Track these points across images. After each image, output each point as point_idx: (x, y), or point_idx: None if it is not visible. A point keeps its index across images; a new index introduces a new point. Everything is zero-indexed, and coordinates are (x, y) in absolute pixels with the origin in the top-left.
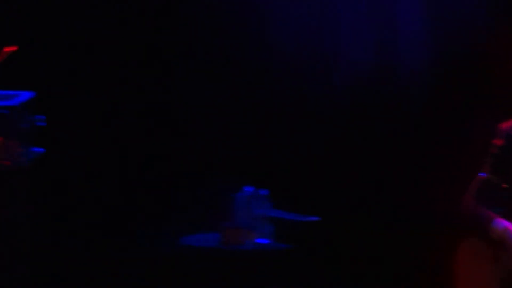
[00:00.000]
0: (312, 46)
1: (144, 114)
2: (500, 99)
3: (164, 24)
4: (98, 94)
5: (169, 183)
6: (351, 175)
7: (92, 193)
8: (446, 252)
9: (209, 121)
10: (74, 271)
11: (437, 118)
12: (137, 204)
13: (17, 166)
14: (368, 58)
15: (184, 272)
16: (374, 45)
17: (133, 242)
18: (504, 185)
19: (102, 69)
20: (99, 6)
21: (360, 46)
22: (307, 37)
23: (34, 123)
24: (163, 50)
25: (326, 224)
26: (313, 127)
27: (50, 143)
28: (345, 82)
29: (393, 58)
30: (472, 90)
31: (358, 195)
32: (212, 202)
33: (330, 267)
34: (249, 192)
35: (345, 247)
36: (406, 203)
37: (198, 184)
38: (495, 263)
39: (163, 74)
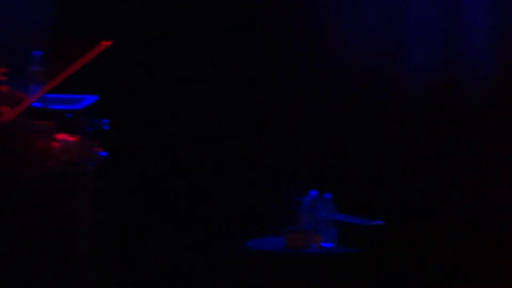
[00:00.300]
0: (378, 50)
1: (209, 118)
2: None
3: (233, 26)
4: (162, 97)
5: (235, 187)
6: (415, 178)
7: (157, 197)
8: None
9: (275, 126)
10: (143, 274)
11: (505, 121)
12: (204, 208)
13: (83, 170)
14: (434, 62)
15: (250, 276)
16: (441, 50)
17: (199, 245)
18: None
19: (166, 71)
20: (163, 7)
21: (427, 50)
22: (373, 41)
23: (99, 127)
24: (232, 52)
25: (390, 228)
26: (378, 131)
27: (115, 147)
28: (412, 87)
29: (459, 62)
30: None
31: (423, 198)
32: (278, 206)
33: (394, 272)
34: (314, 196)
35: (409, 251)
36: (474, 205)
37: (264, 188)
38: None
39: (229, 76)
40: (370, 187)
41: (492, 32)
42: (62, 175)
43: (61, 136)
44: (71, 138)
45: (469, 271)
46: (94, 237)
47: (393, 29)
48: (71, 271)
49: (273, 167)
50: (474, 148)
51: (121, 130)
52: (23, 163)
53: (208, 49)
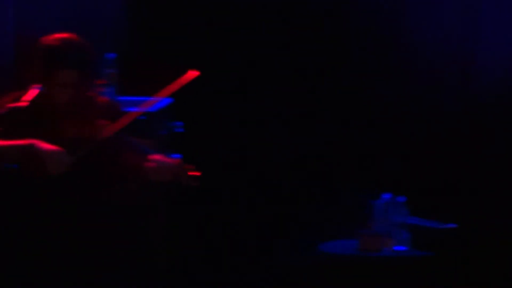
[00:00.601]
0: (451, 51)
1: (282, 121)
2: None
3: (319, 27)
4: (236, 99)
5: (308, 190)
6: (489, 181)
7: (229, 199)
8: None
9: (348, 129)
10: (219, 278)
11: None
12: (278, 211)
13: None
14: (506, 64)
15: (322, 279)
16: None
17: (273, 248)
18: None
19: (240, 72)
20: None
21: (500, 52)
22: (447, 41)
23: (172, 130)
24: (304, 54)
25: (463, 231)
26: (449, 133)
27: (188, 150)
28: (482, 88)
29: None
30: None
31: (497, 201)
32: (351, 209)
33: (467, 275)
34: (387, 199)
35: (482, 255)
36: None
37: (337, 191)
38: None
39: (304, 79)
40: (443, 190)
41: None
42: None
43: (157, 156)
44: (167, 160)
45: None
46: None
47: (467, 29)
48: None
49: (347, 169)
50: None
51: (194, 132)
52: (114, 180)
53: (276, 50)
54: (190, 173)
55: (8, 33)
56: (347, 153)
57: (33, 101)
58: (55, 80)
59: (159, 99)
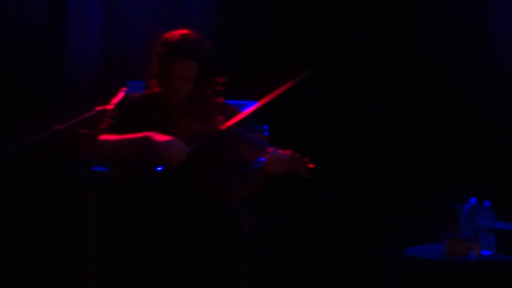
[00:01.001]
0: None
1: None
2: None
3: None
4: (323, 102)
5: (394, 193)
6: None
7: (315, 203)
8: None
9: (438, 134)
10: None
11: None
12: (364, 214)
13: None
14: None
15: (408, 283)
16: None
17: (359, 252)
18: None
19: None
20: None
21: None
22: None
23: (259, 133)
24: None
25: None
26: None
27: None
28: None
29: None
30: None
31: None
32: (437, 213)
33: None
34: (473, 204)
35: None
36: None
37: (424, 195)
38: None
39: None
40: None
41: None
42: None
43: (272, 149)
44: (282, 152)
45: None
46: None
47: None
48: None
49: (433, 174)
50: None
51: (281, 136)
52: (232, 171)
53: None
54: (305, 165)
55: (96, 41)
56: (434, 158)
57: (148, 97)
58: (176, 73)
59: (258, 103)
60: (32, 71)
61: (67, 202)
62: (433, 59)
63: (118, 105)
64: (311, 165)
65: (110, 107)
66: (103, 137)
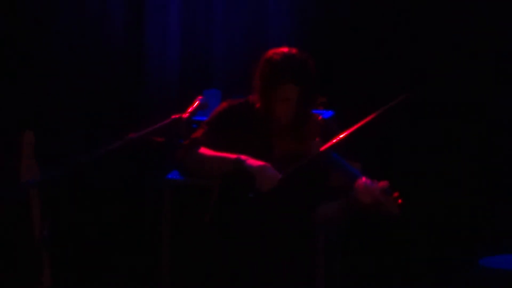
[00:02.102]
0: None
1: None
2: None
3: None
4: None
5: (467, 203)
6: None
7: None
8: None
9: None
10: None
11: None
12: (438, 226)
13: None
14: None
15: None
16: None
17: (433, 262)
18: None
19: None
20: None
21: None
22: None
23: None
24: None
25: None
26: None
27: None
28: None
29: None
30: None
31: None
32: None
33: None
34: None
35: None
36: None
37: (497, 205)
38: None
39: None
40: None
41: None
42: None
43: (364, 179)
44: (374, 184)
45: None
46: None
47: None
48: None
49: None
50: None
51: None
52: (322, 198)
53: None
54: (395, 201)
55: (174, 49)
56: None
57: (249, 109)
58: (276, 94)
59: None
60: (113, 80)
61: (143, 209)
62: None
63: (217, 112)
64: (400, 201)
65: (186, 115)
66: (201, 150)
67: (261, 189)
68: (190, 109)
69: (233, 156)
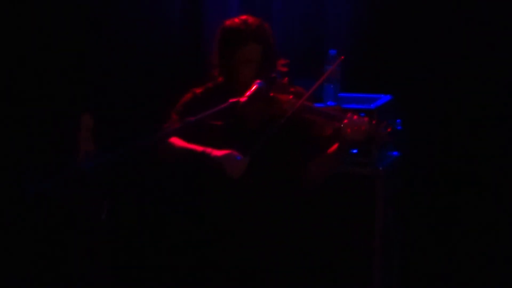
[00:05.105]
0: None
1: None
2: None
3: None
4: (454, 95)
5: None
6: None
7: (448, 200)
8: None
9: None
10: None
11: None
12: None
13: (374, 170)
14: None
15: None
16: None
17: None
18: None
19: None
20: None
21: None
22: None
23: (392, 127)
24: None
25: None
26: None
27: (408, 147)
28: None
29: None
30: None
31: None
32: None
33: None
34: None
35: None
36: None
37: None
38: None
39: None
40: None
41: None
42: (354, 176)
43: (350, 115)
44: (358, 118)
45: None
46: (384, 236)
47: None
48: (362, 271)
49: None
50: None
51: (414, 130)
52: (315, 150)
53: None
54: (384, 129)
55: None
56: None
57: (211, 88)
58: (239, 57)
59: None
60: (171, 67)
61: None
62: None
63: (183, 101)
64: (389, 129)
65: (244, 99)
66: (172, 139)
67: (233, 176)
68: (248, 93)
69: (199, 149)
